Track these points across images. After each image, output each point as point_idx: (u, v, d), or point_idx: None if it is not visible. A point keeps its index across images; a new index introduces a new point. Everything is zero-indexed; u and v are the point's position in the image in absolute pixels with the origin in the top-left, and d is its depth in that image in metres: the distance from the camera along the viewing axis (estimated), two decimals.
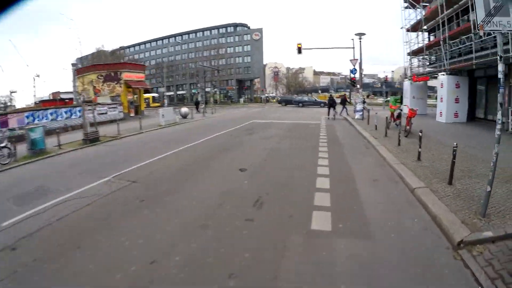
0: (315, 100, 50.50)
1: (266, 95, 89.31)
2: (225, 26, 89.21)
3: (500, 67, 5.07)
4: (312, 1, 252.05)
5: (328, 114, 23.60)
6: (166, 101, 47.48)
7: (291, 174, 7.98)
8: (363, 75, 22.00)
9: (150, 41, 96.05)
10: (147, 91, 46.57)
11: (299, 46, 28.21)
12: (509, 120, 15.16)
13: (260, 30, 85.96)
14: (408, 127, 13.75)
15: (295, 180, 7.49)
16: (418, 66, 28.04)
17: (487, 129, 16.01)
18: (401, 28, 28.51)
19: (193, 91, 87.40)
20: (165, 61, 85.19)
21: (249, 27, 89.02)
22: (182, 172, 8.63)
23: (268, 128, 18.00)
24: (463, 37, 18.26)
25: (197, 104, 39.42)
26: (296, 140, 13.48)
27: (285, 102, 53.18)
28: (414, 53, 28.04)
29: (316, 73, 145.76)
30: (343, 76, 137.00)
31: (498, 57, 5.13)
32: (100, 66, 35.58)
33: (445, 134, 14.33)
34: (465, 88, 20.06)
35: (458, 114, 19.90)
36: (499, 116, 5.11)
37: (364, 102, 23.47)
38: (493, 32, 6.14)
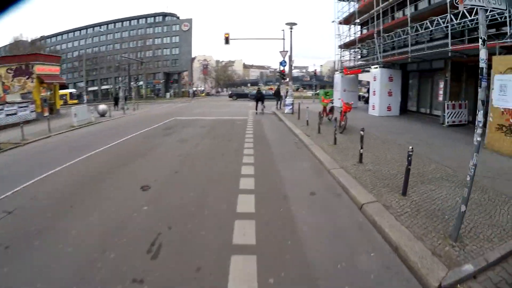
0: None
1: (194, 89, 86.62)
2: (153, 16, 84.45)
3: (483, 53, 3.73)
4: None
5: (256, 109, 22.13)
6: (85, 98, 42.48)
7: (205, 192, 6.12)
8: (293, 67, 20.84)
9: (73, 30, 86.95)
10: (64, 86, 41.22)
11: (227, 36, 26.47)
12: (445, 114, 14.85)
13: (189, 21, 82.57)
14: (343, 123, 12.63)
15: (210, 202, 5.61)
16: (349, 59, 27.76)
17: (422, 122, 16.10)
18: (333, 22, 28.23)
19: (137, 84, 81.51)
20: (88, 53, 78.76)
21: (178, 17, 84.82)
22: (70, 196, 6.20)
23: (189, 126, 15.92)
24: (399, 30, 17.82)
25: (116, 100, 35.72)
26: (218, 141, 11.64)
27: (236, 96, 50.50)
28: (346, 46, 27.73)
29: (246, 67, 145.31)
30: (273, 70, 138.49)
31: (480, 41, 3.77)
32: (10, 58, 30.26)
33: (381, 129, 13.59)
34: (398, 81, 19.89)
35: (391, 107, 19.63)
36: (480, 117, 3.78)
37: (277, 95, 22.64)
38: (475, 8, 4.84)
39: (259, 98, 21.80)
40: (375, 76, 20.01)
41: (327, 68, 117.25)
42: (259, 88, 24.00)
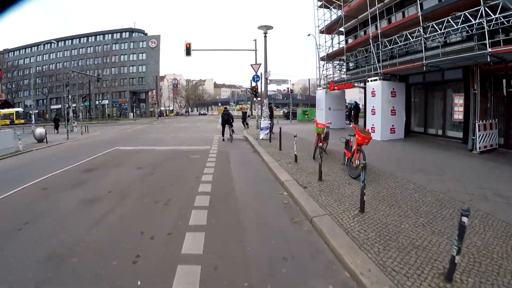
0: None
1: (162, 108, 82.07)
2: (120, 31, 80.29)
3: None
4: (216, 11, 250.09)
5: (223, 134, 17.45)
6: (33, 117, 36.36)
7: None
8: (268, 81, 16.50)
9: (36, 44, 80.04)
10: (7, 105, 35.66)
11: (188, 46, 22.10)
12: (475, 137, 10.90)
13: (157, 37, 78.84)
14: (357, 162, 7.45)
15: None
16: (333, 74, 23.77)
17: (441, 149, 12.32)
18: (309, 35, 24.63)
19: (84, 104, 75.53)
20: (52, 68, 73.40)
21: (146, 34, 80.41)
22: None
23: (122, 165, 10.84)
24: (405, 32, 13.92)
25: (56, 122, 30.34)
26: (146, 206, 6.37)
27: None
28: (330, 58, 23.71)
29: (217, 86, 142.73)
30: (244, 89, 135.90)
31: None
32: None
33: (400, 164, 9.39)
34: (402, 96, 16.11)
35: (395, 129, 15.63)
36: None
37: (271, 116, 17.68)
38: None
39: (226, 120, 16.97)
40: (373, 91, 15.97)
41: (298, 86, 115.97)
42: (225, 108, 18.69)
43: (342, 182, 7.28)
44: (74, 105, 30.82)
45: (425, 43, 13.14)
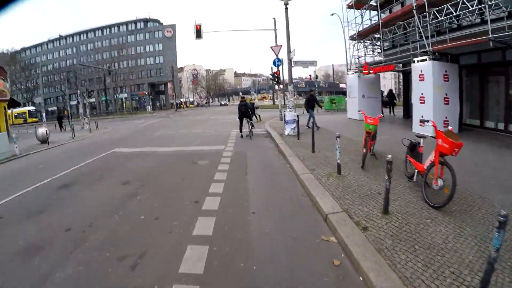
0: None
1: (182, 100, 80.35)
2: (134, 22, 78.18)
3: None
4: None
5: (241, 130, 14.55)
6: (44, 115, 34.73)
7: None
8: (293, 63, 13.35)
9: (51, 41, 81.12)
10: (14, 103, 34.30)
11: (198, 27, 19.46)
12: None
13: (173, 27, 76.57)
14: (443, 183, 4.70)
15: None
16: (365, 55, 20.52)
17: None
18: (332, 15, 21.20)
19: (102, 98, 74.98)
20: (68, 64, 72.62)
21: (161, 23, 78.29)
22: None
23: (107, 177, 8.42)
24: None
25: (59, 120, 28.56)
26: (106, 263, 3.86)
27: None
28: (361, 36, 20.44)
29: (237, 75, 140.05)
30: (265, 78, 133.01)
31: None
32: None
33: (485, 178, 6.24)
34: (455, 81, 12.91)
35: (448, 121, 12.44)
36: None
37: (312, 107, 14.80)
38: None
39: (244, 113, 14.06)
40: (422, 73, 12.85)
41: (320, 74, 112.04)
42: (242, 98, 15.43)
43: (419, 214, 4.48)
44: (87, 101, 28.44)
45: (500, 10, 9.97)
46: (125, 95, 76.35)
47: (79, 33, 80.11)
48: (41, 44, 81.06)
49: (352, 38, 21.08)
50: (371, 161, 7.73)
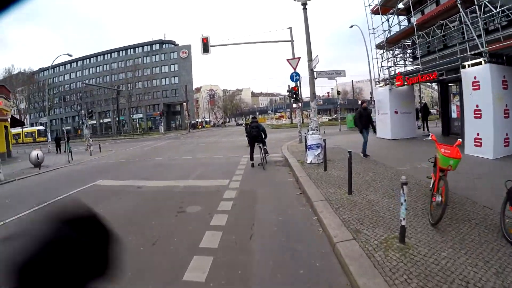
0: None
1: (198, 120, 79.03)
2: (150, 44, 78.55)
3: None
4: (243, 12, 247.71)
5: (251, 157, 11.56)
6: (49, 136, 33.39)
7: None
8: (315, 74, 10.51)
9: (69, 62, 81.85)
10: (18, 122, 33.24)
11: (205, 41, 17.31)
12: None
13: (188, 47, 75.53)
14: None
15: None
16: (394, 65, 17.76)
17: None
18: (351, 27, 18.52)
19: (120, 118, 74.37)
20: (83, 86, 72.58)
21: (177, 44, 77.87)
22: None
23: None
24: None
25: (57, 141, 26.89)
26: None
27: None
28: (392, 43, 17.75)
29: (254, 95, 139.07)
30: (282, 96, 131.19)
31: None
32: None
33: None
34: None
35: (509, 139, 9.67)
36: None
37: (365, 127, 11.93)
38: None
39: (255, 137, 11.29)
40: (476, 81, 10.11)
41: (335, 91, 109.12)
42: (253, 119, 12.61)
43: None
44: (86, 121, 26.72)
45: None
46: (141, 115, 75.61)
47: (96, 55, 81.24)
48: (59, 65, 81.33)
49: (379, 46, 18.48)
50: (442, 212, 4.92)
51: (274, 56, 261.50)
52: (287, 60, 17.06)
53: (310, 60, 10.50)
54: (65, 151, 24.27)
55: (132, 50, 79.28)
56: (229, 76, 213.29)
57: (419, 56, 15.05)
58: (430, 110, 24.27)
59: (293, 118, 60.29)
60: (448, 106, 17.21)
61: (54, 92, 79.02)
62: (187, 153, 18.20)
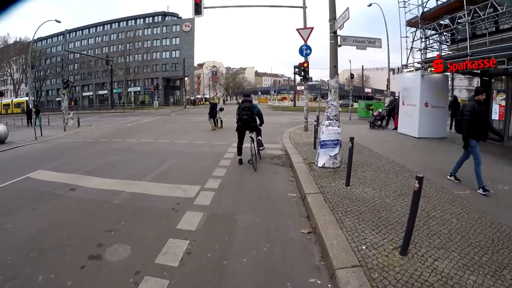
0: None
1: (199, 96, 75.73)
2: (152, 15, 74.56)
3: None
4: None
5: (239, 152, 8.19)
6: (30, 106, 29.87)
7: None
8: (340, 40, 7.24)
9: (67, 32, 78.70)
10: None
11: (198, 0, 13.96)
12: None
13: (191, 21, 71.49)
14: None
15: None
16: (425, 47, 14.40)
17: None
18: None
19: (114, 90, 71.33)
20: (80, 56, 69.45)
21: (180, 17, 73.90)
22: None
23: None
24: None
25: (28, 114, 24.28)
26: None
27: None
28: (428, 19, 14.34)
29: (258, 74, 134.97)
30: (286, 78, 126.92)
31: None
32: None
33: None
34: None
35: None
36: None
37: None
38: None
39: (247, 122, 7.85)
40: None
41: (343, 77, 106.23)
42: (246, 97, 8.42)
43: None
44: (62, 92, 23.79)
45: None
46: (138, 88, 72.46)
47: (96, 25, 78.00)
48: (57, 35, 77.85)
49: (411, 24, 15.07)
50: None
51: (281, 35, 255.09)
52: (297, 30, 14.01)
53: (333, 19, 7.19)
54: (30, 123, 21.69)
55: (133, 21, 75.80)
56: (233, 54, 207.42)
57: (468, 36, 11.70)
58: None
59: (296, 101, 56.80)
60: (489, 105, 13.95)
61: (51, 61, 76.05)
62: (167, 134, 15.04)
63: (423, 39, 14.44)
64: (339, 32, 7.20)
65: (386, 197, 5.27)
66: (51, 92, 77.18)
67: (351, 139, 5.62)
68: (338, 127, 7.08)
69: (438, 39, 14.90)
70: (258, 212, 4.91)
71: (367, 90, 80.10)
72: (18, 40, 65.92)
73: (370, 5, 26.93)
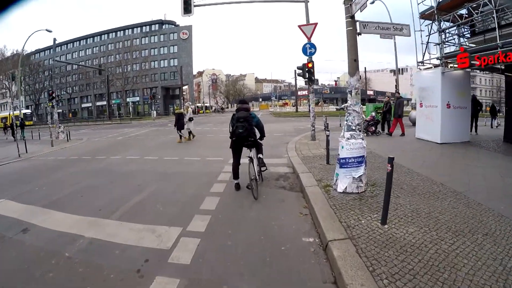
0: None
1: (198, 105, 74.38)
2: (149, 24, 74.12)
3: None
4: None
5: (235, 175, 6.42)
6: (19, 120, 28.28)
7: None
8: (358, 27, 5.77)
9: (65, 43, 77.87)
10: None
11: None
12: None
13: (189, 28, 70.63)
14: None
15: None
16: (442, 41, 12.83)
17: None
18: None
19: (113, 101, 70.41)
20: (77, 67, 68.28)
21: (177, 25, 73.09)
22: None
23: None
24: None
25: (12, 128, 23.65)
26: None
27: None
28: (445, 9, 12.80)
29: (258, 81, 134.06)
30: (287, 84, 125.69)
31: None
32: None
33: None
34: None
35: None
36: None
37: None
38: None
39: (243, 137, 6.01)
40: None
41: (344, 80, 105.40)
42: (241, 104, 6.60)
43: None
44: (48, 105, 22.70)
45: None
46: (137, 98, 71.33)
47: (93, 36, 77.09)
48: (56, 46, 76.68)
49: (425, 16, 13.53)
50: None
51: (280, 40, 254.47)
52: (299, 26, 12.56)
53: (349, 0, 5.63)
54: (21, 138, 20.35)
55: (130, 30, 75.06)
56: (232, 61, 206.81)
57: (496, 25, 10.14)
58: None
59: (298, 106, 55.24)
60: None
61: (49, 73, 75.28)
62: (157, 149, 13.42)
63: (440, 33, 12.88)
64: (357, 17, 5.62)
65: (440, 239, 3.69)
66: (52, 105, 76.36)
67: (391, 160, 3.98)
68: (362, 139, 5.47)
69: (456, 32, 13.34)
70: (261, 277, 3.30)
71: (369, 92, 78.75)
72: (15, 52, 64.93)
73: (373, 2, 25.26)
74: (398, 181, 6.10)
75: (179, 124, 15.26)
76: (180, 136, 15.44)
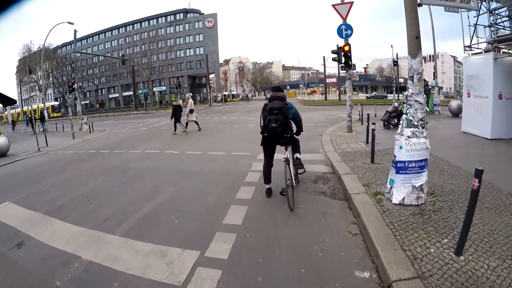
0: None
1: (225, 93, 73.76)
2: (174, 13, 74.12)
3: None
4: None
5: (267, 176, 5.23)
6: (45, 113, 27.37)
7: None
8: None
9: (92, 35, 79.31)
10: (7, 100, 28.72)
11: None
12: None
13: (214, 16, 69.75)
14: None
15: None
16: (495, 23, 11.18)
17: None
18: None
19: (140, 91, 70.69)
20: (104, 59, 68.92)
21: (202, 13, 72.53)
22: None
23: None
24: None
25: (31, 122, 23.77)
26: None
27: None
28: None
29: (285, 68, 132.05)
30: (314, 71, 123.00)
31: None
32: None
33: None
34: None
35: None
36: None
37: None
38: None
39: (277, 133, 4.79)
40: None
41: (373, 67, 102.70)
42: (274, 91, 5.14)
43: None
44: (68, 97, 22.68)
45: None
46: (164, 88, 71.54)
47: (118, 27, 78.02)
48: (81, 39, 78.04)
49: None
50: None
51: (308, 26, 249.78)
52: (333, 5, 11.35)
53: None
54: (43, 131, 20.28)
55: (154, 20, 75.42)
56: (259, 49, 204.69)
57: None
58: None
59: (327, 94, 53.45)
60: None
61: (72, 66, 76.71)
62: (178, 141, 12.67)
63: (490, 14, 11.21)
64: None
65: None
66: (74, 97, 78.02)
67: (479, 173, 2.83)
68: (426, 138, 4.30)
69: (508, 14, 11.58)
70: None
71: (400, 80, 75.58)
72: (41, 47, 66.36)
73: None
74: (460, 189, 4.90)
75: (176, 116, 14.83)
76: (175, 128, 14.93)
